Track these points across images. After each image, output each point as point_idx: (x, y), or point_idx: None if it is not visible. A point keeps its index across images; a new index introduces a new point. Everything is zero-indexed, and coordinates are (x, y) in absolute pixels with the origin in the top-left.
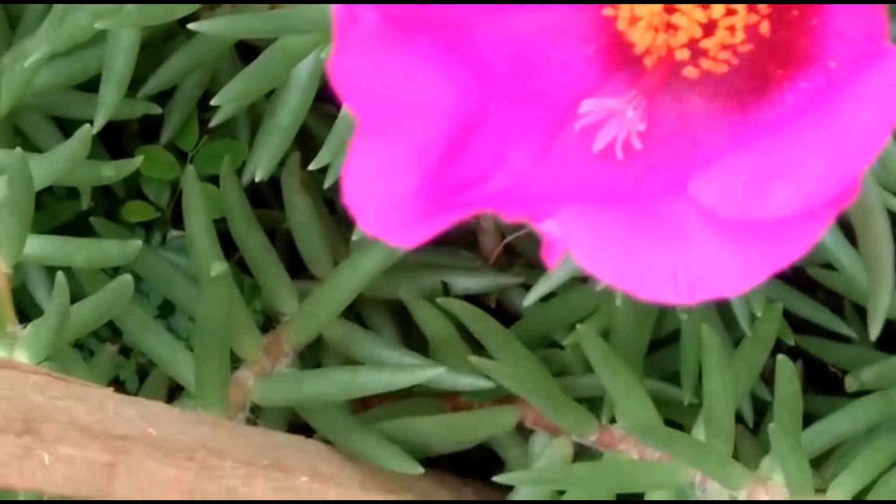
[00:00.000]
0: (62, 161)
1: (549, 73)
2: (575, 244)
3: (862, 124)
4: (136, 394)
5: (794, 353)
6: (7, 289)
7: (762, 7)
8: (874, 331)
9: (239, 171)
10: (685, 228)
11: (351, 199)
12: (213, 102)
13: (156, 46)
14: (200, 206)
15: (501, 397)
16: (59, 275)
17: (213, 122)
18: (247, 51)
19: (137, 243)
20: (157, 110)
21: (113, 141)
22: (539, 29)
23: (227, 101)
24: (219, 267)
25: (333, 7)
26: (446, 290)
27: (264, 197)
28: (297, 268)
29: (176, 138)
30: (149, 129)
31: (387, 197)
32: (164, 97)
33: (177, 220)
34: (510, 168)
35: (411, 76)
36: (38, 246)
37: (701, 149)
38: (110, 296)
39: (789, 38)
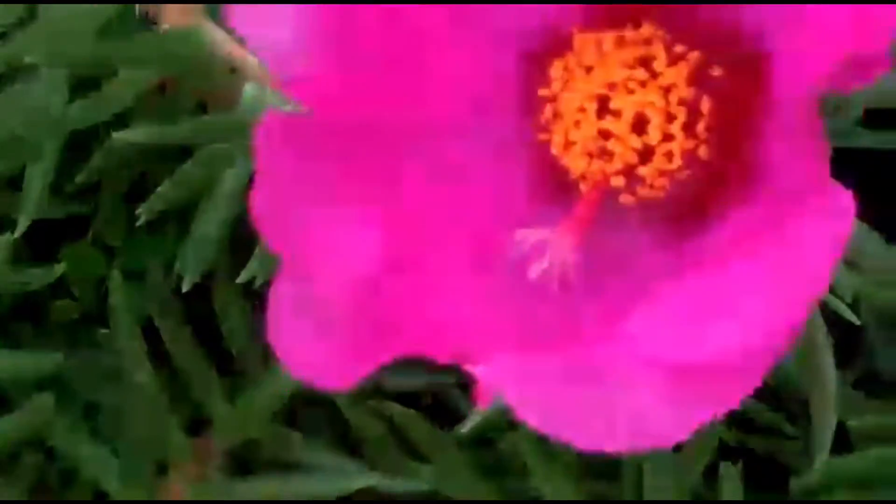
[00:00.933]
0: None
1: (479, 199)
2: (506, 390)
3: (801, 270)
4: (62, 498)
5: (739, 449)
6: None
7: (700, 131)
8: (819, 461)
9: (169, 266)
10: (623, 371)
11: (274, 342)
12: (138, 212)
13: (84, 137)
14: (126, 307)
15: (439, 500)
16: None
17: (141, 221)
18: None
19: (56, 357)
20: (83, 210)
21: (38, 234)
22: (468, 153)
23: (154, 207)
24: (144, 375)
25: (253, 141)
26: (380, 388)
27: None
28: (227, 365)
29: (103, 233)
30: (77, 219)
31: (311, 344)
32: (92, 189)
33: (105, 318)
34: (442, 305)
35: (333, 212)
36: None
37: (640, 279)
38: (30, 414)
39: (729, 164)
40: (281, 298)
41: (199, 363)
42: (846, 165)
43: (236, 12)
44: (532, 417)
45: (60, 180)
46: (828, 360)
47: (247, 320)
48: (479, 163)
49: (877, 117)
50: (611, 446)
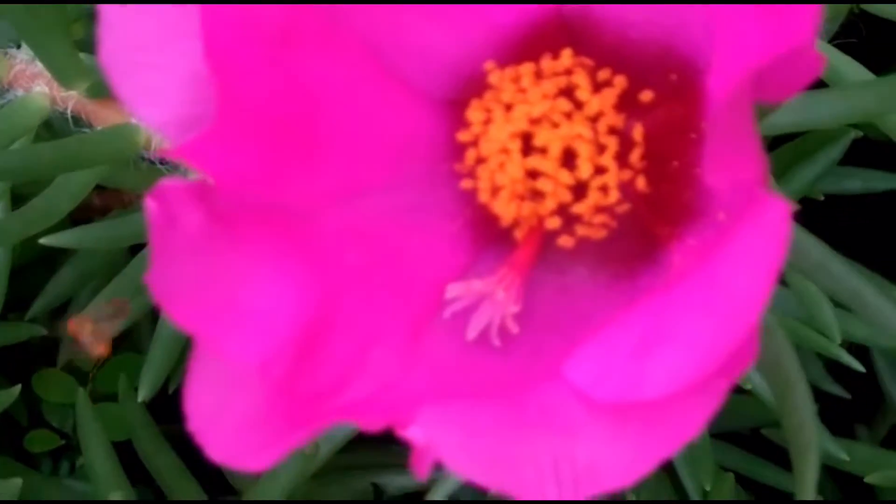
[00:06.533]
0: None
1: (409, 257)
2: (442, 446)
3: (739, 286)
4: None
5: None
6: None
7: (635, 161)
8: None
9: None
10: (567, 417)
11: (193, 425)
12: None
13: (46, 259)
14: (96, 431)
15: None
16: None
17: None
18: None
19: (16, 482)
20: (42, 332)
21: (12, 362)
22: (392, 209)
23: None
24: (118, 494)
25: (147, 208)
26: (380, 491)
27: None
28: (215, 480)
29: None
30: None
31: (232, 420)
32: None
33: None
34: (374, 369)
35: (245, 279)
36: None
37: (591, 324)
38: None
39: (672, 191)
40: (196, 375)
41: (182, 480)
42: None
43: (124, 99)
44: (469, 470)
45: (26, 303)
46: (803, 395)
47: None
48: (404, 217)
49: None
50: (555, 494)
